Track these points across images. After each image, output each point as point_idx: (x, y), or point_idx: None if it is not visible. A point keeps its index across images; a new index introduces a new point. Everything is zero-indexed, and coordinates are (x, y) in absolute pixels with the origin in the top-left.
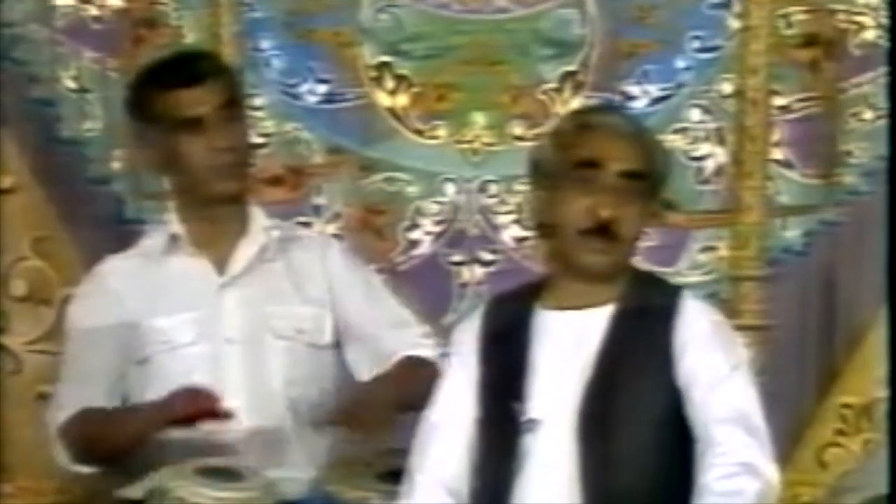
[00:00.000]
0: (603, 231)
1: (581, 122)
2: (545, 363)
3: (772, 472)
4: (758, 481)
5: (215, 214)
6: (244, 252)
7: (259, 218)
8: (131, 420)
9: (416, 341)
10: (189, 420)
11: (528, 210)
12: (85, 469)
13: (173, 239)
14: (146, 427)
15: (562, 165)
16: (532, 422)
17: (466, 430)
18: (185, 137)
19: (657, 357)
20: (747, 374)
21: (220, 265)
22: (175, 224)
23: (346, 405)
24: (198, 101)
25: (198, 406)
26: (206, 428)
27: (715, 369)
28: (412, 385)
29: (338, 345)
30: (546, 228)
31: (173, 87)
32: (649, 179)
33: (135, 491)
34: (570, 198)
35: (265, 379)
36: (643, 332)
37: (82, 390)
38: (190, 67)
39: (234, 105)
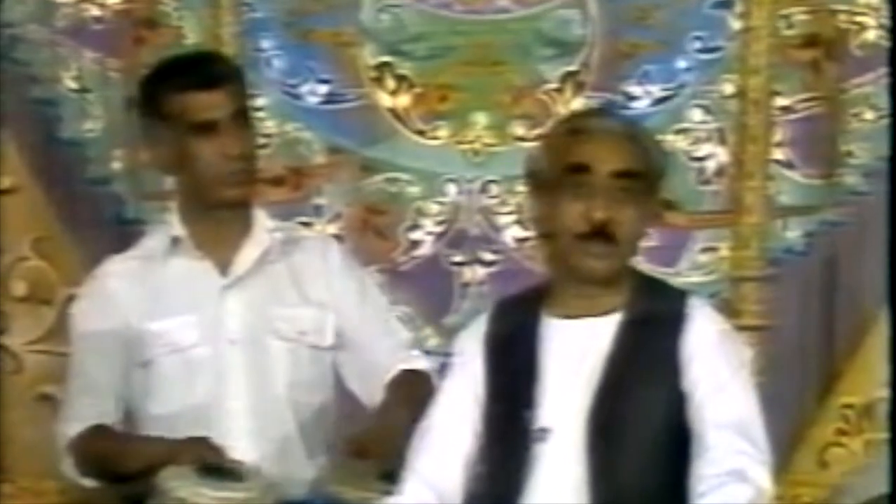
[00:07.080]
0: (600, 234)
1: (572, 126)
2: (553, 371)
3: (764, 478)
4: (748, 488)
5: (219, 217)
6: (247, 254)
7: (262, 220)
8: (138, 453)
9: (407, 355)
10: None
11: (528, 217)
12: (91, 482)
13: (175, 241)
14: (152, 463)
15: (555, 171)
16: (543, 430)
17: (463, 435)
18: (197, 141)
19: (665, 365)
20: (748, 381)
21: (223, 267)
22: (176, 226)
23: (360, 437)
24: (213, 105)
25: (205, 460)
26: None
27: (716, 375)
28: (414, 401)
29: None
30: (546, 235)
31: (190, 89)
32: (645, 178)
33: (138, 486)
34: (564, 203)
35: (268, 380)
36: (651, 339)
37: (91, 403)
38: (208, 70)
39: (245, 111)
